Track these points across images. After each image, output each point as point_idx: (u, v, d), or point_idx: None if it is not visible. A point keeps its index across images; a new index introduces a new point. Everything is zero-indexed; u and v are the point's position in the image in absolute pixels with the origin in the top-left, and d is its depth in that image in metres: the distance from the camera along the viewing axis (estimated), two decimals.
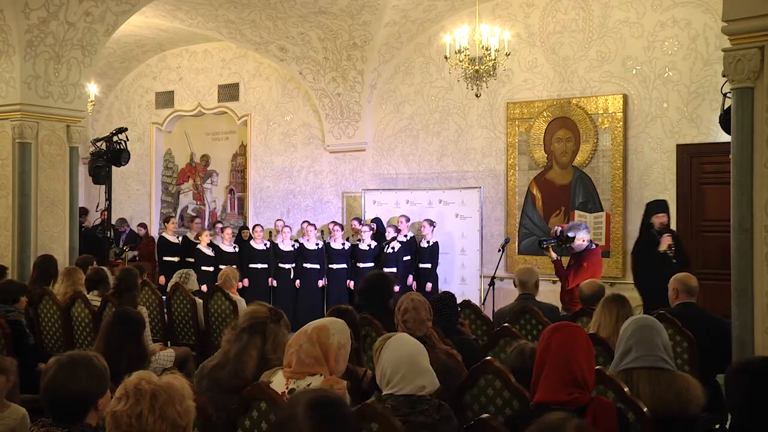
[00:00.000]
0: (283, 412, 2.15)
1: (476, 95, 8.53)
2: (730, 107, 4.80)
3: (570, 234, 7.02)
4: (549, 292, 7.38)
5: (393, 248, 9.82)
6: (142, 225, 13.02)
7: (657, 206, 7.63)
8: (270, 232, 11.59)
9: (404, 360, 2.88)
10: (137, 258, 11.71)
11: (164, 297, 7.06)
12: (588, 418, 2.62)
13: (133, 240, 12.54)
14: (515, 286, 5.84)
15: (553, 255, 7.16)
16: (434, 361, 3.10)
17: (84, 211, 11.95)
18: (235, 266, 8.07)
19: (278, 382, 3.06)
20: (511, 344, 4.36)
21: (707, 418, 4.11)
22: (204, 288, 8.73)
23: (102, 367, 2.63)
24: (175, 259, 10.84)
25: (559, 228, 7.33)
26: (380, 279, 5.15)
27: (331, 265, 10.50)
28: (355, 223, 10.85)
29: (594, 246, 7.19)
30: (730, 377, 2.78)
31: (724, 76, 4.78)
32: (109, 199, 9.47)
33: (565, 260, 7.36)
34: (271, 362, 3.33)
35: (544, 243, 7.21)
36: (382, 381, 2.91)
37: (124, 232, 12.70)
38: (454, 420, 2.89)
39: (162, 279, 10.35)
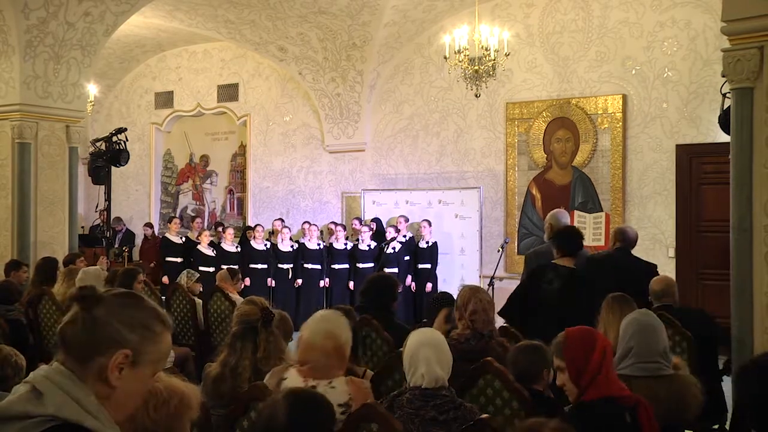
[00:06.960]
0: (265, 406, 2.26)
1: (476, 95, 8.53)
2: (729, 107, 4.81)
3: None
4: None
5: (394, 248, 9.82)
6: (148, 225, 12.96)
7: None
8: (270, 232, 11.58)
9: (415, 348, 2.90)
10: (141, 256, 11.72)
11: (164, 297, 7.05)
12: (642, 413, 2.70)
13: (130, 240, 12.53)
14: None
15: None
16: (491, 350, 3.55)
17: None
18: (236, 266, 8.05)
19: (293, 380, 2.95)
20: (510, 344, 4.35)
21: (706, 421, 4.11)
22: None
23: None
24: (179, 259, 10.83)
25: None
26: (384, 281, 5.12)
27: (333, 266, 10.50)
28: (355, 223, 10.84)
29: None
30: (740, 375, 2.77)
31: (723, 76, 4.79)
32: (108, 199, 9.49)
33: None
34: (263, 372, 3.27)
35: None
36: (407, 374, 2.93)
37: (120, 231, 12.68)
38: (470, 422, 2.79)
39: (166, 279, 10.34)
